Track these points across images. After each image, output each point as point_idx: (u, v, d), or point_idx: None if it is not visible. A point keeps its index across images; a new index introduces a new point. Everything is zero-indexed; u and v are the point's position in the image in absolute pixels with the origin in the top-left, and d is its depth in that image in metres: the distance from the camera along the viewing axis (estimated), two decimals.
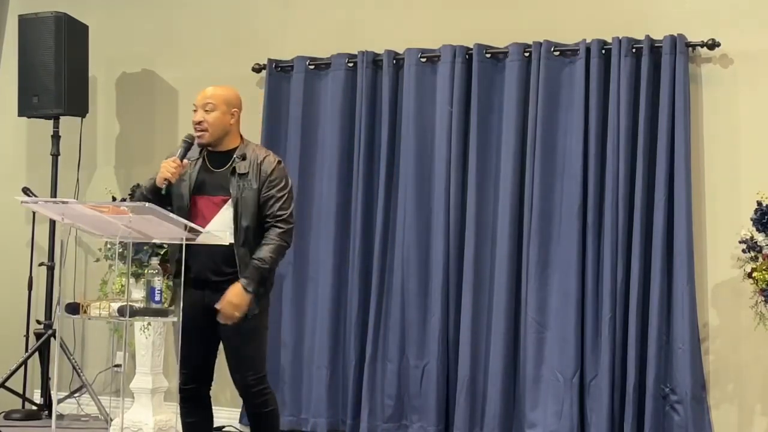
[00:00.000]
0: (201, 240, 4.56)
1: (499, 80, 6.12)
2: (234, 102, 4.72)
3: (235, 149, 4.70)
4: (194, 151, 4.73)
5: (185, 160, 4.66)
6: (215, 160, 4.70)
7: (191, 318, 4.63)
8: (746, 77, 5.76)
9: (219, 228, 4.59)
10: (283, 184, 4.67)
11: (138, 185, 6.34)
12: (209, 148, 4.71)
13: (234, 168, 4.65)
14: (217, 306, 4.55)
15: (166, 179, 4.60)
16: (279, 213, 4.62)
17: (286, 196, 4.66)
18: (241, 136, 4.77)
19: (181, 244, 4.57)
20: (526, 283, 5.93)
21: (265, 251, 4.58)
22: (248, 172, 4.63)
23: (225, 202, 4.63)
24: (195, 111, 4.69)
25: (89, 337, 6.96)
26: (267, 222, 4.63)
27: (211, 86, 4.76)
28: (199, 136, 4.68)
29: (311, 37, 6.60)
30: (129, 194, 6.39)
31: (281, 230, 4.62)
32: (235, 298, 4.54)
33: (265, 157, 4.68)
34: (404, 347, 6.15)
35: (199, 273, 4.64)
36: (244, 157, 4.66)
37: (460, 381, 6.00)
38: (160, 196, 4.64)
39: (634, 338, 5.71)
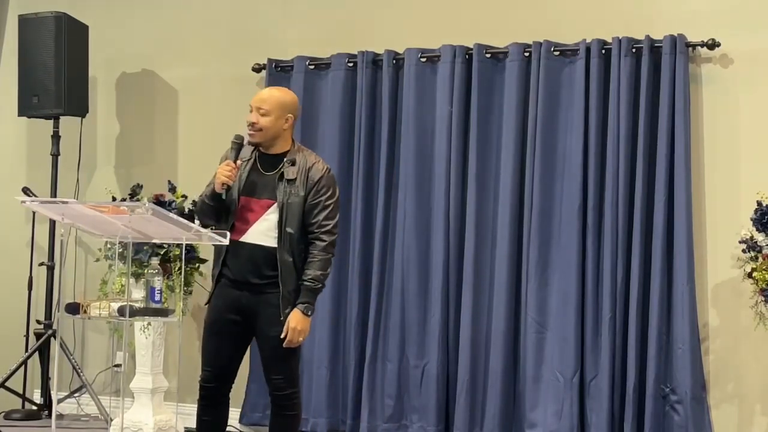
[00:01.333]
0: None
1: (499, 80, 6.12)
2: (289, 107, 4.71)
3: (285, 153, 4.70)
4: (246, 151, 4.74)
5: (238, 161, 4.68)
6: (266, 162, 4.71)
7: (223, 317, 4.67)
8: (746, 77, 5.76)
9: (262, 231, 4.61)
10: (330, 192, 4.67)
11: (139, 185, 6.37)
12: (260, 149, 4.72)
13: (282, 173, 4.65)
14: (282, 335, 4.57)
15: (224, 184, 4.61)
16: (325, 223, 4.63)
17: (332, 205, 4.66)
18: (293, 140, 4.78)
19: (221, 247, 4.63)
20: (526, 283, 5.94)
21: (314, 270, 4.60)
22: (296, 178, 4.63)
23: (271, 206, 4.63)
24: (250, 111, 4.69)
25: (89, 337, 6.96)
26: (311, 232, 4.63)
27: (269, 88, 4.81)
28: (250, 135, 4.69)
29: (311, 37, 6.59)
30: (129, 194, 6.39)
31: (325, 243, 4.62)
32: (298, 324, 4.58)
33: (314, 164, 4.68)
34: (404, 347, 6.15)
35: (239, 274, 4.65)
36: (293, 163, 4.66)
37: (460, 381, 6.00)
38: (222, 201, 4.65)
39: (634, 338, 5.71)
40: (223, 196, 4.64)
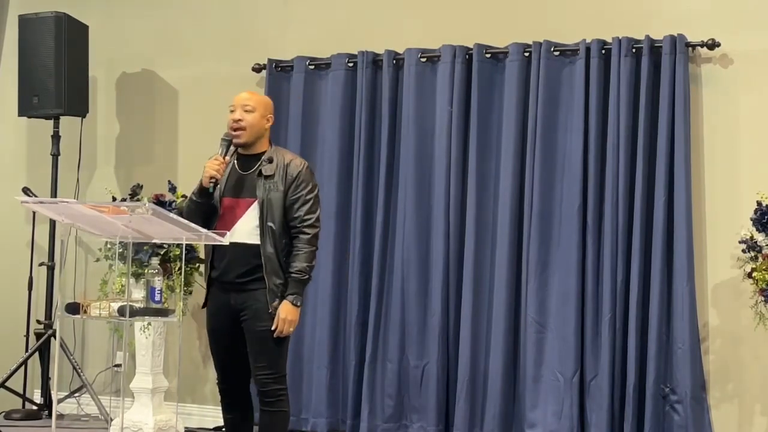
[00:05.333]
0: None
1: (499, 80, 6.12)
2: (269, 108, 4.83)
3: (263, 153, 4.76)
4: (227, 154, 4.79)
5: (227, 158, 4.72)
6: (245, 162, 4.76)
7: (220, 323, 4.74)
8: (746, 77, 5.76)
9: (245, 229, 4.65)
10: (310, 187, 4.73)
11: (139, 185, 6.37)
12: (240, 151, 4.78)
13: (261, 170, 4.70)
14: (274, 330, 4.62)
15: (212, 177, 4.65)
16: (306, 217, 4.68)
17: (313, 199, 4.72)
18: (270, 141, 4.84)
19: (208, 249, 4.71)
20: (526, 283, 5.93)
21: (301, 262, 4.65)
22: (274, 174, 4.69)
23: (251, 203, 4.67)
24: (232, 111, 4.74)
25: (89, 337, 6.96)
26: (294, 226, 4.68)
27: (247, 91, 4.88)
28: (236, 135, 4.73)
29: (311, 37, 6.60)
30: (129, 194, 6.39)
31: (309, 236, 4.68)
32: (288, 315, 4.63)
33: (291, 160, 4.75)
34: (404, 347, 6.15)
35: (225, 275, 4.69)
36: (271, 160, 4.72)
37: (460, 381, 6.00)
38: (210, 197, 4.69)
39: (634, 338, 5.71)
40: (211, 190, 4.66)
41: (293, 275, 4.64)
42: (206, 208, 4.71)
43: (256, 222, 4.65)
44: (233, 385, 4.78)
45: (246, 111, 4.72)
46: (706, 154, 5.80)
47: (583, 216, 5.86)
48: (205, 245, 4.79)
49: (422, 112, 6.20)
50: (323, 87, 6.45)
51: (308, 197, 4.70)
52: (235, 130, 4.72)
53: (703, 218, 5.78)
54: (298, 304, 4.66)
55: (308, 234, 4.67)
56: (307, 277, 4.68)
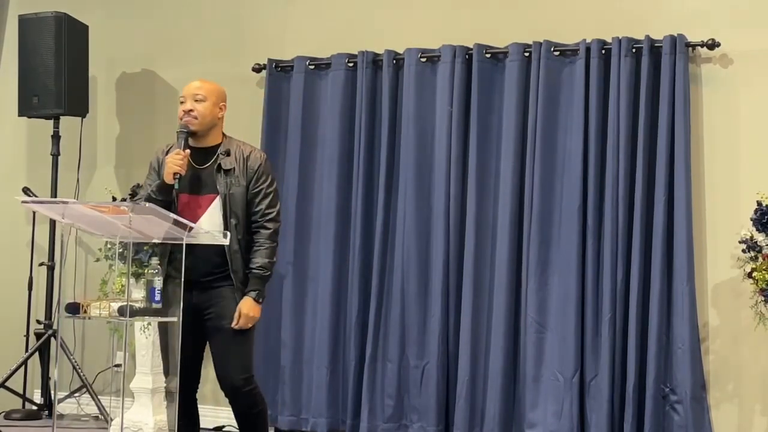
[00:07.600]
0: (197, 240, 4.56)
1: (499, 80, 6.12)
2: (222, 96, 4.74)
3: (218, 146, 4.69)
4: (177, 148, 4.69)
5: (187, 150, 4.63)
6: (199, 156, 4.67)
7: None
8: (746, 77, 5.76)
9: (208, 227, 4.57)
10: (270, 180, 4.67)
11: (138, 185, 6.37)
12: (192, 144, 4.67)
13: (219, 164, 4.62)
14: (233, 325, 4.54)
15: (176, 173, 4.56)
16: (268, 211, 4.63)
17: (273, 193, 4.67)
18: (223, 133, 4.76)
19: (179, 244, 4.55)
20: (526, 283, 5.93)
21: (262, 258, 4.59)
22: (234, 168, 4.61)
23: (212, 200, 4.60)
24: (182, 102, 4.69)
25: (89, 337, 6.95)
26: (255, 221, 4.62)
27: (198, 80, 4.77)
28: (188, 123, 4.65)
29: (311, 37, 6.60)
30: (129, 194, 6.39)
31: (270, 231, 4.62)
32: (250, 311, 4.57)
33: (251, 152, 4.68)
34: (404, 347, 6.15)
35: (189, 273, 4.56)
36: (228, 153, 4.65)
37: (460, 381, 6.00)
38: (170, 194, 4.60)
39: (634, 338, 5.71)
40: (176, 186, 4.58)
41: (255, 271, 4.58)
42: (164, 205, 4.55)
43: (220, 219, 4.58)
44: (185, 388, 4.62)
45: (197, 101, 4.64)
46: (706, 154, 5.81)
47: (583, 216, 5.86)
48: (163, 242, 4.66)
49: (422, 112, 6.20)
50: (323, 87, 6.45)
51: (269, 191, 4.64)
52: (186, 119, 4.64)
53: (703, 218, 5.78)
54: (261, 301, 4.59)
55: (269, 229, 4.62)
56: (269, 273, 4.61)
